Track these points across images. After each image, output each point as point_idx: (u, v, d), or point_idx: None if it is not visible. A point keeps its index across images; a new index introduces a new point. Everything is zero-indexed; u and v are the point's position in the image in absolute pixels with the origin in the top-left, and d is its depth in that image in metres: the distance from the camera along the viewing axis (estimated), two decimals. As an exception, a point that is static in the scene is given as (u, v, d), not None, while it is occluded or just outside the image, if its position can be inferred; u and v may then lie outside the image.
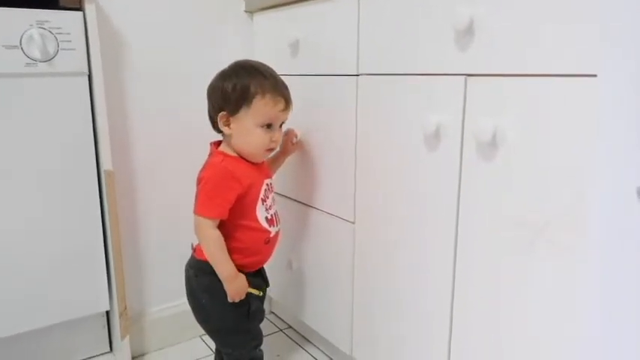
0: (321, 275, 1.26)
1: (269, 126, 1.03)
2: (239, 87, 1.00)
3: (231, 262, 1.02)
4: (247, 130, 1.02)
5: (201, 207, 1.00)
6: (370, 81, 1.02)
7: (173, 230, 1.40)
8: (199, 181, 1.02)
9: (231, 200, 1.00)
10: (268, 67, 1.06)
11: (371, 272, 1.10)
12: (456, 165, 0.86)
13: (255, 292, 1.07)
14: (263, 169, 1.11)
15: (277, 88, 1.02)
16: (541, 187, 0.74)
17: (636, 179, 0.55)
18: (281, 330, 1.54)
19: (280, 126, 1.07)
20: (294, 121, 1.17)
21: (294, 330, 1.53)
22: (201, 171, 1.04)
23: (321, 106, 1.17)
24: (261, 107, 1.01)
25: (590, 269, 0.69)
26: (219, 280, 1.02)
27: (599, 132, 0.59)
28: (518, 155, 0.76)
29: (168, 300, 1.44)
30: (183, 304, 1.35)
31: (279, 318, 1.60)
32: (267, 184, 1.09)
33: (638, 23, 0.57)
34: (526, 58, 0.73)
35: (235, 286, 1.03)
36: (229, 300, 1.03)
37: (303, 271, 1.32)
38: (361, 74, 1.04)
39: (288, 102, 1.04)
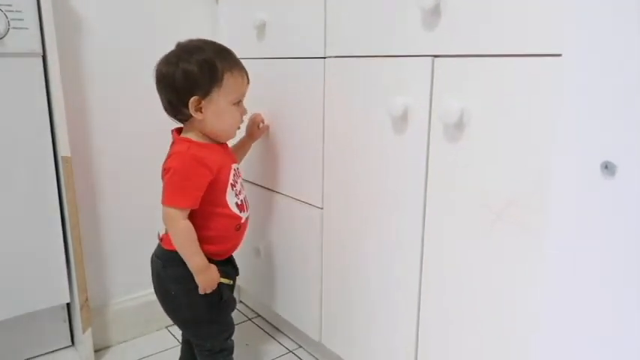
0: (290, 262, 1.25)
1: (238, 102, 1.02)
2: (206, 67, 0.96)
3: (201, 253, 1.00)
4: (222, 111, 0.99)
5: (172, 197, 0.96)
6: (337, 63, 1.00)
7: (137, 219, 1.36)
8: (166, 171, 0.98)
9: (202, 188, 0.98)
10: (217, 43, 1.03)
11: (340, 258, 1.09)
12: (423, 147, 0.85)
13: (226, 281, 1.04)
14: (229, 153, 1.08)
15: (237, 62, 1.01)
16: (504, 167, 0.74)
17: (601, 155, 0.55)
18: (250, 319, 1.52)
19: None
20: (260, 105, 1.14)
21: (263, 318, 1.52)
22: (167, 161, 1.00)
23: (288, 90, 1.15)
24: (232, 84, 0.98)
25: (553, 248, 0.69)
26: (190, 270, 1.00)
27: (563, 110, 0.59)
28: (483, 136, 0.76)
29: (133, 291, 1.40)
30: (148, 294, 1.35)
31: (248, 307, 1.58)
32: (235, 169, 1.07)
33: (603, 1, 0.57)
34: (491, 38, 0.72)
35: (206, 278, 1.00)
36: (200, 292, 1.00)
37: (272, 259, 1.31)
38: (328, 57, 1.02)
39: (248, 76, 1.04)
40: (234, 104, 1.00)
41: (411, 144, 0.87)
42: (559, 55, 0.63)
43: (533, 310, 0.73)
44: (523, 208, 0.72)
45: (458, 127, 0.78)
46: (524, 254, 0.73)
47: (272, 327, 1.47)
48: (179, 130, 1.05)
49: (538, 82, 0.68)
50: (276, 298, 1.32)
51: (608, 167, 0.55)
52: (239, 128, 1.05)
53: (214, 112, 0.98)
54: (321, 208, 1.11)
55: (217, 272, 1.02)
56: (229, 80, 0.97)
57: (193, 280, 1.00)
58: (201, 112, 0.98)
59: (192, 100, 0.96)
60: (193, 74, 0.96)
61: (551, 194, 0.68)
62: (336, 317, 1.13)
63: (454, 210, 0.82)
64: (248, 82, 1.03)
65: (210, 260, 1.02)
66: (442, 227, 0.85)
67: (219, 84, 0.97)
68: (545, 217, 0.69)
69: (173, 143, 1.03)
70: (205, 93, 0.97)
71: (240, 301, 1.60)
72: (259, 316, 1.54)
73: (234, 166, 1.07)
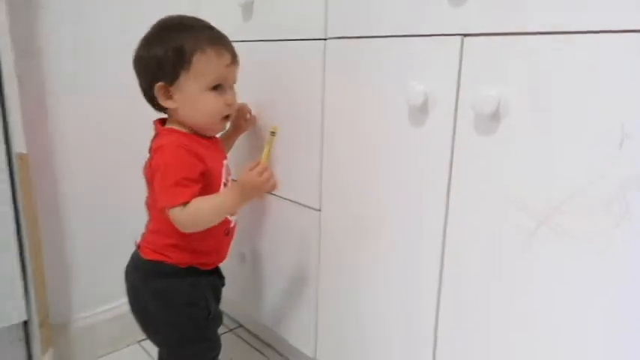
0: (281, 270, 1.12)
1: (218, 87, 0.86)
2: (171, 48, 0.83)
3: (220, 195, 0.86)
4: (195, 98, 0.85)
5: (171, 197, 0.82)
6: (341, 46, 0.88)
7: (105, 224, 1.20)
8: (155, 170, 0.83)
9: (197, 179, 0.84)
10: (200, 19, 0.89)
11: (340, 265, 0.97)
12: (447, 141, 0.74)
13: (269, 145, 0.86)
14: (219, 148, 0.95)
15: (216, 40, 0.85)
16: (551, 165, 0.63)
17: None
18: (231, 330, 1.39)
19: (232, 87, 0.91)
20: (247, 94, 1.01)
21: (246, 329, 1.39)
22: (152, 157, 0.85)
23: (281, 77, 1.01)
24: (203, 65, 0.83)
25: (609, 265, 0.59)
26: (174, 282, 0.87)
27: None
28: (525, 129, 0.65)
29: (101, 304, 1.24)
30: (118, 307, 1.22)
31: (229, 316, 1.44)
32: (226, 166, 0.94)
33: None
34: (539, 11, 0.61)
35: (251, 192, 0.84)
36: (264, 193, 0.85)
37: (260, 266, 1.17)
38: (330, 38, 0.89)
39: (234, 55, 0.88)
40: (210, 89, 0.85)
41: (433, 137, 0.76)
42: None
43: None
44: (572, 215, 0.62)
45: (494, 117, 0.67)
46: (570, 270, 0.63)
47: (257, 339, 1.35)
48: (162, 122, 0.91)
49: (607, 66, 0.57)
50: (264, 308, 1.19)
51: None
52: (227, 119, 0.91)
53: (185, 99, 0.85)
54: (319, 210, 0.99)
55: (250, 177, 0.83)
56: (200, 61, 0.83)
57: (177, 293, 0.87)
58: (172, 99, 0.85)
59: (158, 86, 0.84)
60: (159, 58, 0.83)
61: (610, 201, 0.58)
62: (334, 331, 1.01)
63: (484, 216, 0.71)
64: (233, 63, 0.88)
65: (197, 270, 0.89)
66: (468, 238, 0.74)
67: (187, 67, 0.83)
68: (601, 228, 0.59)
69: (156, 136, 0.89)
70: (172, 79, 0.84)
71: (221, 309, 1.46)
72: (242, 326, 1.40)
73: (224, 162, 0.93)
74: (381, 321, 0.90)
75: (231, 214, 0.94)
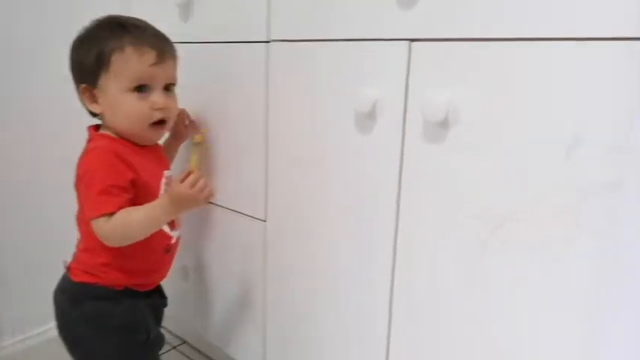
0: (226, 283, 1.06)
1: (142, 89, 0.79)
2: (93, 48, 0.78)
3: (150, 206, 0.78)
4: (115, 100, 0.78)
5: (96, 206, 0.75)
6: (285, 49, 0.84)
7: (30, 240, 1.11)
8: (81, 177, 0.77)
9: (126, 187, 0.77)
10: (137, 20, 0.83)
11: (287, 278, 0.93)
12: (396, 149, 0.71)
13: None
14: (160, 158, 0.89)
15: (142, 38, 0.79)
16: (502, 174, 0.62)
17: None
18: (174, 347, 1.31)
19: (168, 89, 0.83)
20: (187, 99, 0.95)
21: (191, 346, 1.32)
22: (80, 163, 0.79)
23: (221, 81, 0.96)
24: (121, 65, 0.77)
25: (563, 272, 0.58)
26: (108, 306, 0.80)
27: None
28: (475, 137, 0.64)
29: (27, 329, 1.15)
30: (45, 332, 1.13)
31: (172, 333, 1.36)
32: (168, 178, 0.87)
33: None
34: (488, 17, 0.60)
35: (184, 204, 0.78)
36: (202, 205, 0.80)
37: (203, 280, 1.11)
38: (273, 40, 0.85)
39: (161, 53, 0.80)
40: (132, 90, 0.78)
41: (381, 144, 0.73)
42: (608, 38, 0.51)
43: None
44: (526, 223, 0.61)
45: (443, 125, 0.65)
46: (525, 278, 0.62)
47: (202, 356, 1.28)
48: (96, 127, 0.84)
49: (557, 73, 0.56)
50: (209, 324, 1.13)
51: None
52: (160, 125, 0.83)
53: (108, 102, 0.79)
54: (264, 221, 0.94)
55: (181, 189, 0.76)
56: (118, 61, 0.77)
57: (111, 318, 0.81)
58: (97, 103, 0.80)
59: (81, 88, 0.80)
60: (79, 58, 0.80)
61: (563, 209, 0.57)
62: (284, 348, 0.97)
63: (436, 225, 0.69)
64: (160, 62, 0.80)
65: (134, 292, 0.83)
66: (420, 247, 0.72)
67: (106, 67, 0.77)
68: (555, 235, 0.58)
69: (88, 141, 0.83)
70: (93, 80, 0.79)
71: (162, 326, 1.38)
72: (185, 342, 1.33)
73: (166, 173, 0.87)
74: (332, 335, 0.87)
75: (171, 229, 0.87)
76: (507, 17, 0.58)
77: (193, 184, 0.76)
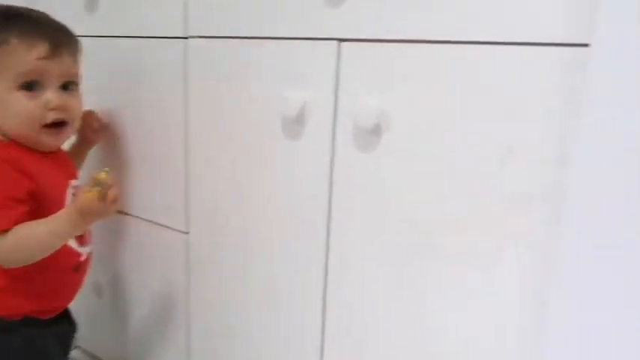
0: (145, 299, 0.98)
1: (32, 86, 0.69)
2: None
3: (53, 218, 0.69)
4: (2, 100, 0.69)
5: None
6: (205, 46, 0.77)
7: None
8: None
9: (23, 199, 0.68)
10: (29, 10, 0.73)
11: (213, 293, 0.86)
12: (326, 156, 0.67)
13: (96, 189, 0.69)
14: (65, 165, 0.79)
15: (32, 29, 0.69)
16: (434, 184, 0.59)
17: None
18: (90, 367, 1.20)
19: (68, 87, 0.74)
20: (95, 99, 0.85)
21: (109, 366, 1.21)
22: None
23: (135, 80, 0.87)
24: (6, 59, 0.68)
25: (495, 284, 0.57)
26: (2, 340, 0.71)
27: (585, 114, 0.45)
28: (407, 145, 0.60)
29: None
30: None
31: (88, 352, 1.25)
32: (75, 188, 0.78)
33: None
34: (422, 18, 0.56)
35: (89, 218, 0.69)
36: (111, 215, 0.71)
37: (119, 297, 1.02)
38: (192, 37, 0.78)
39: (55, 45, 0.70)
40: (19, 88, 0.69)
41: (310, 152, 0.68)
42: (583, 44, 0.49)
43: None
44: (458, 234, 0.59)
45: (374, 131, 0.62)
46: (456, 290, 0.60)
47: (122, 377, 1.18)
48: None
49: (490, 79, 0.54)
50: (128, 344, 1.04)
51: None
52: (59, 128, 0.73)
53: None
54: (187, 233, 0.87)
55: (88, 199, 0.67)
56: (2, 54, 0.68)
57: (8, 354, 0.71)
58: None
59: None
60: None
61: (494, 219, 0.55)
62: (210, 364, 0.91)
63: (368, 235, 0.66)
64: (53, 56, 0.70)
65: (36, 321, 0.73)
66: (352, 258, 0.68)
67: None
68: (486, 246, 0.57)
69: None
70: None
71: (77, 346, 1.26)
72: (101, 361, 1.23)
73: (73, 182, 0.77)
74: (264, 349, 0.82)
75: (80, 245, 0.78)
76: (439, 19, 0.55)
77: (102, 194, 0.68)
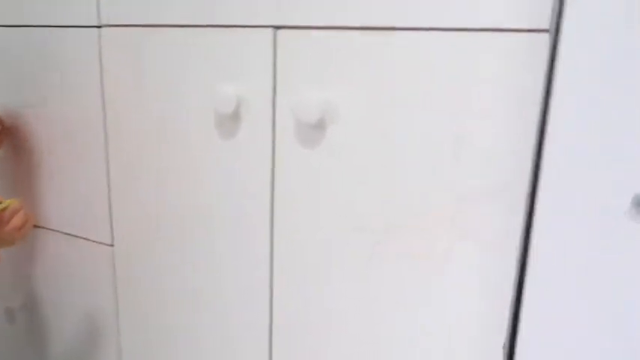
0: (68, 321, 0.87)
1: None
2: None
3: None
4: None
5: None
6: (122, 36, 0.68)
7: None
8: None
9: None
10: None
11: (144, 310, 0.78)
12: (265, 155, 0.61)
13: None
14: None
15: None
16: (384, 181, 0.55)
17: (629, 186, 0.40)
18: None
19: None
20: (-4, 98, 0.75)
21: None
22: None
23: (44, 76, 0.77)
24: None
25: (450, 281, 0.54)
26: None
27: (554, 113, 0.41)
28: (353, 140, 0.56)
29: None
30: None
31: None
32: None
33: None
34: (375, 2, 0.51)
35: None
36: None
37: (37, 322, 0.90)
38: (105, 25, 0.69)
39: None
40: None
41: (247, 151, 0.62)
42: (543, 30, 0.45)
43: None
44: (411, 233, 0.55)
45: (318, 126, 0.56)
46: (411, 290, 0.56)
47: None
48: None
49: (439, 69, 0.50)
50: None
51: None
52: None
53: None
54: (112, 246, 0.78)
55: None
56: None
57: None
58: None
59: None
60: None
61: (448, 216, 0.52)
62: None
63: (315, 239, 0.60)
64: None
65: None
66: (298, 265, 0.63)
67: None
68: (441, 244, 0.53)
69: None
70: None
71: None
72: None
73: None
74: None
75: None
76: (387, 4, 0.50)
77: (8, 220, 0.59)
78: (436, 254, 0.54)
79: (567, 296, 0.46)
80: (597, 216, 0.42)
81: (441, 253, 0.54)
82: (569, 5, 0.39)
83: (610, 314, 0.44)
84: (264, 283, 0.66)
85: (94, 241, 0.79)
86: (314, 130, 0.57)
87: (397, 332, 0.58)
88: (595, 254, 0.44)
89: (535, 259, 0.46)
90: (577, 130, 0.41)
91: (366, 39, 0.52)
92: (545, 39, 0.44)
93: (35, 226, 0.84)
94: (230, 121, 0.62)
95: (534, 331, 0.48)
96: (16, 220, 0.61)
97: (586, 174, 0.42)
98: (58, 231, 0.83)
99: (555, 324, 0.47)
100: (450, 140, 0.51)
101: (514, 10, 0.45)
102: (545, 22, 0.43)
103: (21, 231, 0.62)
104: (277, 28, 0.57)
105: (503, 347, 0.52)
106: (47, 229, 0.84)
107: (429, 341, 0.57)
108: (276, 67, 0.58)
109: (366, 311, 0.59)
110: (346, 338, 0.62)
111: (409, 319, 0.57)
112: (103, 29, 0.69)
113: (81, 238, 0.81)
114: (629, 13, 0.38)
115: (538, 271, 0.46)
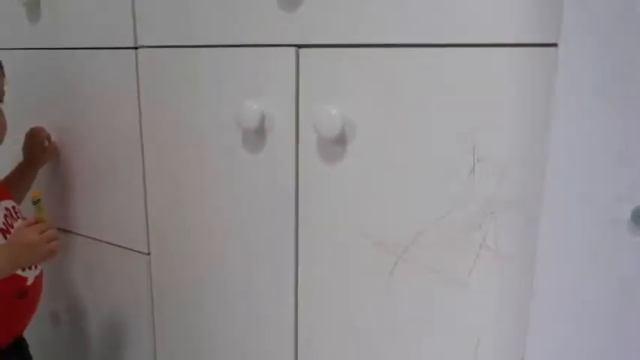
0: (107, 326, 0.92)
1: None
2: None
3: None
4: None
5: None
6: (156, 56, 0.72)
7: None
8: None
9: None
10: None
11: (176, 315, 0.81)
12: (289, 170, 0.63)
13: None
14: None
15: None
16: (403, 195, 0.56)
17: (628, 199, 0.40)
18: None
19: None
20: (41, 116, 0.80)
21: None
22: None
23: (83, 96, 0.82)
24: None
25: (473, 295, 0.54)
26: None
27: (555, 123, 0.42)
28: (373, 155, 0.57)
29: None
30: None
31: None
32: (9, 209, 0.73)
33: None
34: (392, 20, 0.53)
35: (25, 253, 0.67)
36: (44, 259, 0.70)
37: (79, 326, 0.96)
38: (142, 46, 0.73)
39: None
40: None
41: (273, 166, 0.65)
42: (551, 44, 0.46)
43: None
44: (430, 247, 0.55)
45: (339, 141, 0.58)
46: (433, 304, 0.57)
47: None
48: None
49: (455, 84, 0.51)
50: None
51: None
52: None
53: None
54: (148, 254, 0.82)
55: (26, 234, 0.66)
56: None
57: None
58: None
59: None
60: None
61: (468, 229, 0.53)
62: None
63: (339, 254, 0.62)
64: None
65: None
66: (323, 279, 0.64)
67: None
68: (461, 258, 0.54)
69: None
70: None
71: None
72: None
73: (5, 204, 0.72)
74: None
75: (22, 269, 0.72)
76: (403, 22, 0.52)
77: (43, 231, 0.64)
78: (457, 269, 0.55)
79: (570, 314, 0.46)
80: (598, 229, 0.42)
81: (461, 267, 0.55)
82: (567, 17, 0.40)
83: (613, 328, 0.44)
84: (289, 295, 0.68)
85: (132, 250, 0.84)
86: (335, 145, 0.59)
87: (422, 347, 0.59)
88: (596, 266, 0.43)
89: (540, 272, 0.46)
90: (577, 144, 0.41)
91: (383, 55, 0.54)
92: (553, 52, 0.44)
93: (76, 234, 0.89)
94: (255, 136, 0.64)
95: (539, 347, 0.48)
96: (49, 234, 0.66)
97: (588, 185, 0.42)
98: (98, 240, 0.88)
99: (558, 337, 0.47)
100: (468, 154, 0.52)
101: (526, 26, 0.46)
102: (556, 36, 0.43)
103: (51, 246, 0.67)
104: (299, 47, 0.59)
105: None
106: (88, 237, 0.89)
107: (452, 357, 0.57)
108: (298, 83, 0.60)
109: (389, 326, 0.60)
110: (369, 354, 0.63)
111: (431, 334, 0.58)
112: (140, 50, 0.73)
113: (120, 246, 0.85)
114: (631, 21, 0.38)
115: (542, 283, 0.47)
